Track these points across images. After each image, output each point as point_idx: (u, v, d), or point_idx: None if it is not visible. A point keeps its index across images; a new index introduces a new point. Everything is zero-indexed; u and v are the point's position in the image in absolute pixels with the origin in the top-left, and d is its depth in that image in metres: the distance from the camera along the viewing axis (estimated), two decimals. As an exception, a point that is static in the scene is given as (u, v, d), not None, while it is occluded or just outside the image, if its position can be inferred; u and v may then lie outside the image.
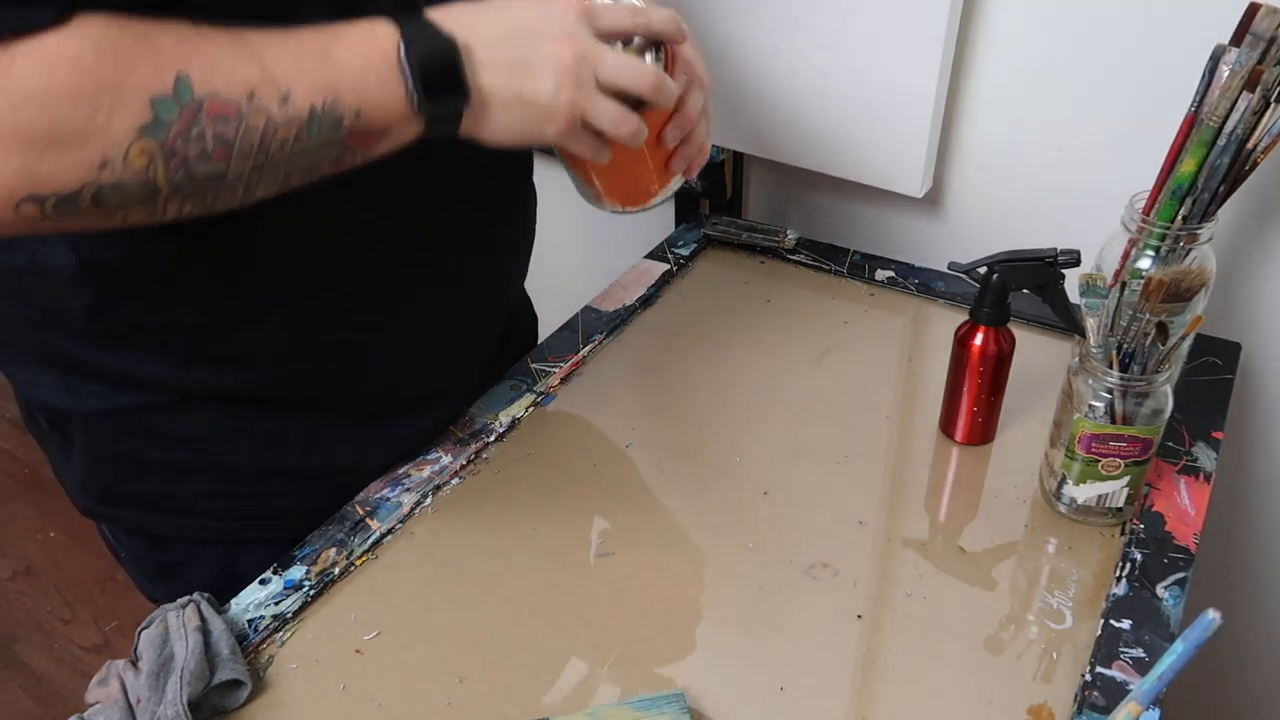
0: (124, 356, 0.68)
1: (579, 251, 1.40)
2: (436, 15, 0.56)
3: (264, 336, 0.70)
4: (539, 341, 0.97)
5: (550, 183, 1.37)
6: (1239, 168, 0.72)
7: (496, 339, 0.88)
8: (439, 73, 0.54)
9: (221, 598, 0.67)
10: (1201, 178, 0.73)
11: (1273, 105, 0.70)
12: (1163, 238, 0.75)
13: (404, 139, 0.56)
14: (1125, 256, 0.77)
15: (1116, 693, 0.61)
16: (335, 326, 0.72)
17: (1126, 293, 0.67)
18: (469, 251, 0.77)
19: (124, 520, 0.79)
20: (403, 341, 0.76)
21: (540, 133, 0.59)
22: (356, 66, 0.53)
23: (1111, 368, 0.68)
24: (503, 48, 0.56)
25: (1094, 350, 0.69)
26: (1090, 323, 0.69)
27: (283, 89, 0.51)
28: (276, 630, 0.67)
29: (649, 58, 0.61)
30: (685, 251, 1.07)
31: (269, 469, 0.75)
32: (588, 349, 0.93)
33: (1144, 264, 0.76)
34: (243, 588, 0.70)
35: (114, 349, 0.68)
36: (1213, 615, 0.44)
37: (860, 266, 1.04)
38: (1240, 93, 0.69)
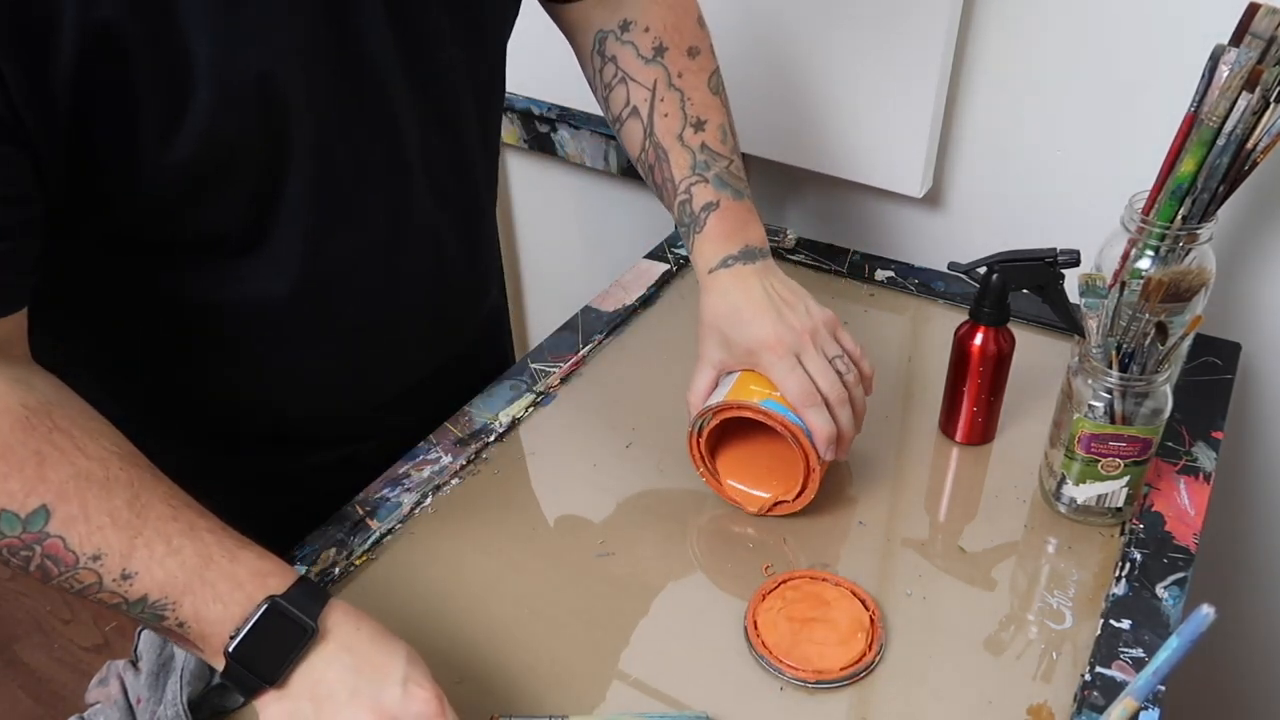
0: (68, 374, 0.69)
1: (579, 251, 1.40)
2: (337, 605, 0.55)
3: (214, 386, 0.72)
4: (537, 343, 0.97)
5: (551, 182, 1.37)
6: (1239, 168, 0.72)
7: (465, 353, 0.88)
8: (269, 646, 0.53)
9: None
10: (1201, 178, 0.73)
11: (1272, 105, 0.70)
12: (1162, 238, 0.75)
13: (209, 660, 0.55)
14: (1125, 256, 0.77)
15: (1116, 693, 0.61)
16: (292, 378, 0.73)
17: (1126, 293, 0.67)
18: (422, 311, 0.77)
19: None
20: (357, 389, 0.77)
21: None
22: (219, 591, 0.53)
23: (1111, 368, 0.68)
24: (339, 674, 0.53)
25: (1094, 350, 0.69)
26: (1090, 323, 0.69)
27: (131, 569, 0.52)
28: (276, 630, 0.67)
29: None
30: (685, 251, 1.07)
31: (222, 472, 0.75)
32: (588, 349, 0.93)
33: (1144, 264, 0.76)
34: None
35: (59, 369, 0.69)
36: (1207, 610, 0.44)
37: (860, 266, 1.04)
38: (1240, 93, 0.69)
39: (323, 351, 0.72)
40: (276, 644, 0.53)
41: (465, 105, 0.72)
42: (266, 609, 0.53)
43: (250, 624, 0.52)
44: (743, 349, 0.72)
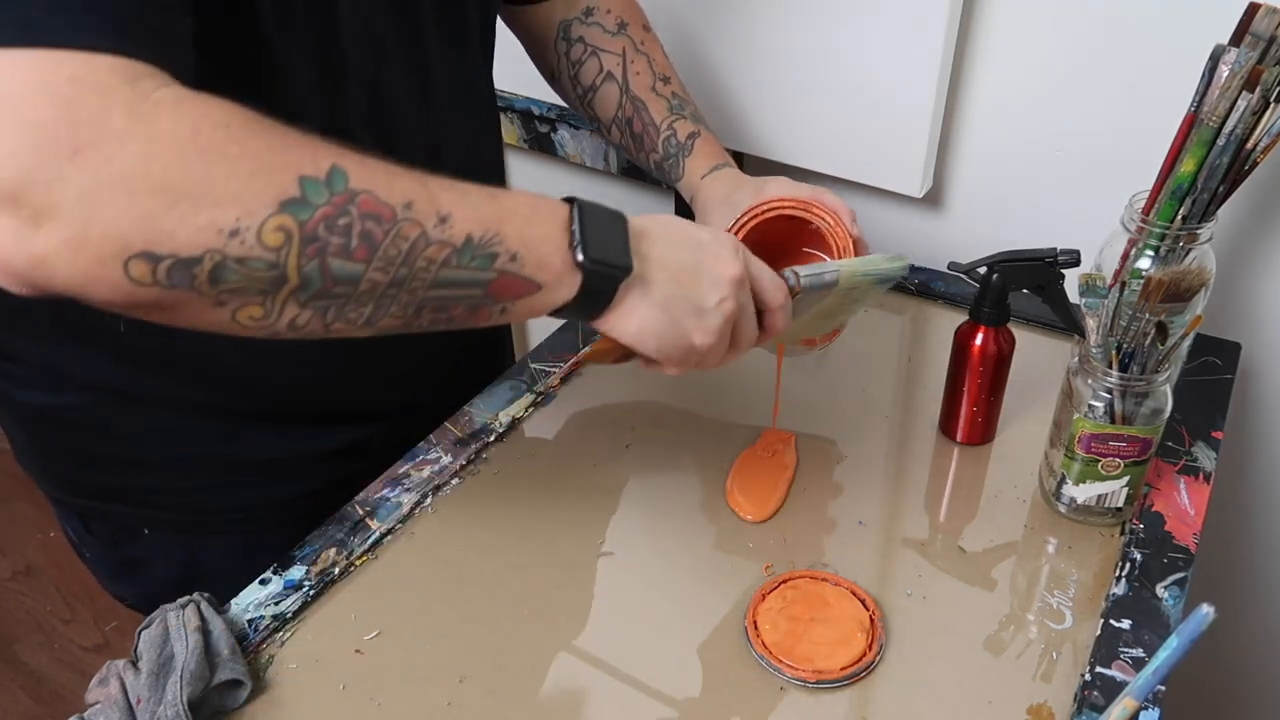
0: (64, 351, 0.69)
1: (579, 251, 1.40)
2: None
3: (211, 351, 0.71)
4: (537, 343, 0.97)
5: (551, 182, 1.37)
6: (1239, 168, 0.72)
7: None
8: (605, 234, 0.52)
9: (188, 593, 0.67)
10: (1201, 178, 0.73)
11: (1272, 105, 0.70)
12: (1162, 238, 0.75)
13: (549, 303, 0.53)
14: (1125, 256, 0.77)
15: (1116, 693, 0.61)
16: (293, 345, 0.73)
17: (1126, 293, 0.67)
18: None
19: (86, 510, 0.79)
20: (361, 361, 0.77)
21: (685, 338, 0.57)
22: (523, 213, 0.51)
23: (1111, 368, 0.68)
24: (674, 249, 0.56)
25: (1094, 350, 0.69)
26: (1090, 323, 0.69)
27: (444, 210, 0.49)
28: (276, 630, 0.67)
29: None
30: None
31: (230, 460, 0.75)
32: (588, 349, 0.93)
33: (1144, 264, 0.76)
34: (208, 582, 0.70)
35: (53, 344, 0.69)
36: (1207, 610, 0.44)
37: (860, 266, 1.04)
38: (1240, 93, 0.69)
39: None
40: (609, 232, 0.53)
41: (480, 74, 0.76)
42: (581, 205, 0.52)
43: (581, 222, 0.52)
44: (749, 193, 0.77)
